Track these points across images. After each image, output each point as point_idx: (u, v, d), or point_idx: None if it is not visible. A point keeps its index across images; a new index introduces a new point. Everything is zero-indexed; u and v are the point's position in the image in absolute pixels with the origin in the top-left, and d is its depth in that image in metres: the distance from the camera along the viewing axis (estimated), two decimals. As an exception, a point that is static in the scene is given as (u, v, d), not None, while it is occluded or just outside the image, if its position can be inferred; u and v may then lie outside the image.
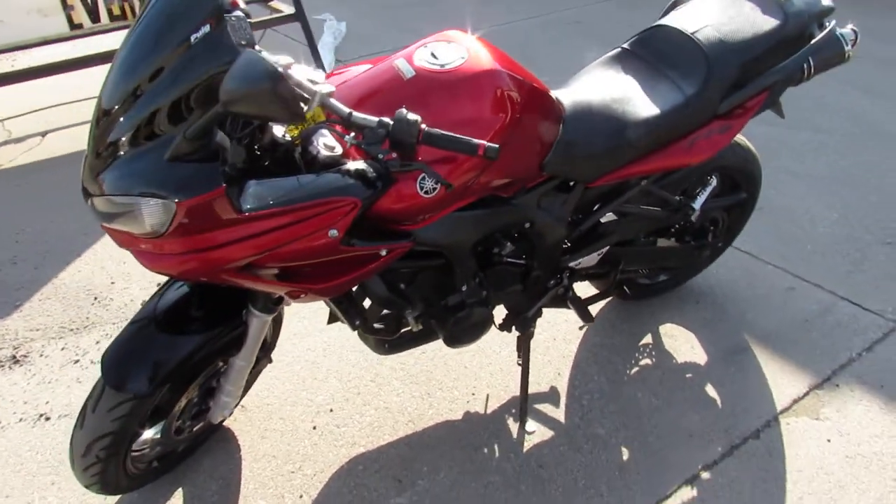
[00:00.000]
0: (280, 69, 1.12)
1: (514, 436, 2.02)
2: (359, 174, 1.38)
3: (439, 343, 1.88)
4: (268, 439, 2.03)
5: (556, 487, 1.87)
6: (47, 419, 2.09)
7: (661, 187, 1.93)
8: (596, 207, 1.89)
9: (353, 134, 1.33)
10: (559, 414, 2.08)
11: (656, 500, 1.82)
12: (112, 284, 2.66)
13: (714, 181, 2.06)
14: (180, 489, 1.89)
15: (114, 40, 3.77)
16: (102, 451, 1.58)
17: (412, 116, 1.25)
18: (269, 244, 1.33)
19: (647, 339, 2.34)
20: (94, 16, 3.73)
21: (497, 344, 2.31)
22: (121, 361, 1.54)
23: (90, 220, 1.97)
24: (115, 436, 1.57)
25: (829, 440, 1.96)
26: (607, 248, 1.98)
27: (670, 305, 2.45)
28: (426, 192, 1.45)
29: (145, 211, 1.26)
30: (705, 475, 1.88)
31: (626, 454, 1.95)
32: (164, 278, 1.67)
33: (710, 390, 2.14)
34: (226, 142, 1.27)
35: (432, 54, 1.52)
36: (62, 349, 2.36)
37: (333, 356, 2.29)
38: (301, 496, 1.87)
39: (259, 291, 1.58)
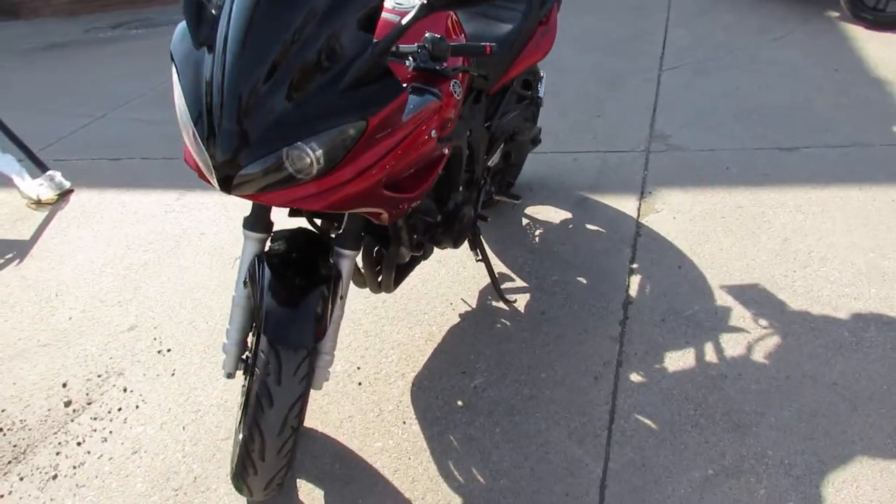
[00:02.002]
0: None
1: (505, 307, 2.50)
2: (427, 84, 1.75)
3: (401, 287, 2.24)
4: (337, 405, 2.17)
5: (558, 318, 2.42)
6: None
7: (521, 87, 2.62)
8: (493, 111, 2.48)
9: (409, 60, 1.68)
10: (520, 283, 2.62)
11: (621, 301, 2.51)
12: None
13: (544, 73, 2.82)
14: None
15: None
16: (295, 418, 1.64)
17: (437, 35, 1.69)
18: (405, 149, 1.64)
19: (528, 225, 3.01)
20: None
21: (438, 273, 2.74)
22: (282, 325, 1.63)
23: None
24: (303, 398, 1.65)
25: (673, 217, 2.87)
26: (502, 144, 2.58)
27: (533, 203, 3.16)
28: (458, 95, 1.88)
29: (331, 140, 1.47)
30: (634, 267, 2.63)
31: (580, 282, 2.59)
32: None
33: (581, 232, 2.90)
34: None
35: (396, 3, 1.93)
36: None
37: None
38: (404, 422, 2.10)
39: (349, 229, 1.80)
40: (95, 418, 2.29)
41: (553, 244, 2.81)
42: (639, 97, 4.00)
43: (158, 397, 2.34)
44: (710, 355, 2.15)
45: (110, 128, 4.94)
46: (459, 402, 2.14)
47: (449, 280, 2.68)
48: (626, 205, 3.00)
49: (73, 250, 3.34)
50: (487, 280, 2.62)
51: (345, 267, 1.81)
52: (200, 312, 2.74)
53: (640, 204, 2.99)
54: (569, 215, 2.99)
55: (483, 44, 1.73)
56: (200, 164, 1.59)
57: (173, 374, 2.43)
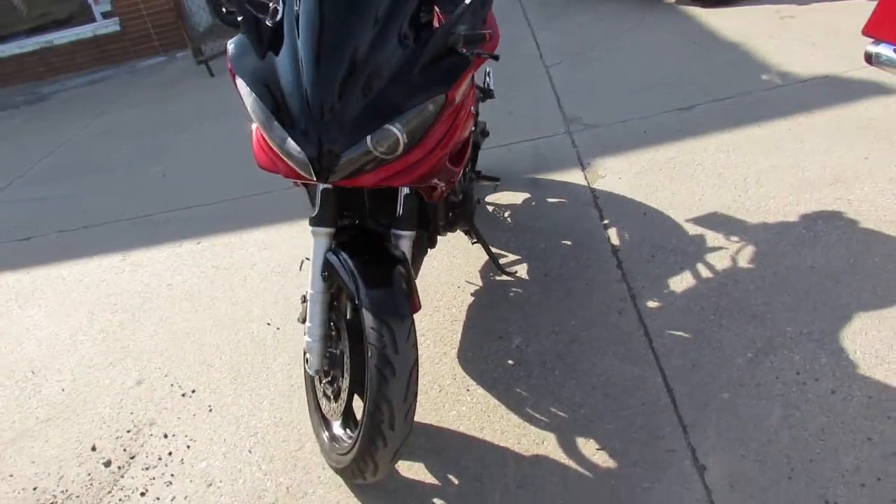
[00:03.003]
0: None
1: (509, 279, 2.72)
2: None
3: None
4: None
5: (562, 276, 2.68)
6: None
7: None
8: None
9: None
10: (513, 257, 2.85)
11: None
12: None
13: (490, 69, 3.09)
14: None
15: None
16: (415, 383, 1.76)
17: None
18: (463, 120, 1.84)
19: (496, 210, 3.25)
20: None
21: (433, 267, 2.91)
22: (385, 300, 1.74)
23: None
24: (416, 363, 1.77)
25: (619, 178, 3.24)
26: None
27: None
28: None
29: (414, 119, 1.64)
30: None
31: (567, 244, 2.87)
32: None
33: (545, 205, 3.19)
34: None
35: None
36: None
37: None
38: (467, 389, 2.25)
39: (407, 211, 1.95)
40: (147, 468, 2.24)
41: (527, 220, 3.07)
42: (539, 92, 4.40)
43: (206, 433, 2.31)
44: (705, 272, 2.49)
45: (2, 212, 4.63)
46: (510, 362, 2.32)
47: (447, 270, 2.85)
48: (573, 177, 3.33)
49: (27, 329, 3.15)
50: (482, 261, 2.83)
51: (406, 247, 1.94)
52: (208, 352, 2.71)
53: (585, 174, 3.33)
54: (527, 195, 3.27)
55: (484, 31, 1.96)
56: (291, 163, 1.69)
57: (210, 410, 2.41)
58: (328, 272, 1.84)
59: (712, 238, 2.66)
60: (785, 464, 1.77)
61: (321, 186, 1.84)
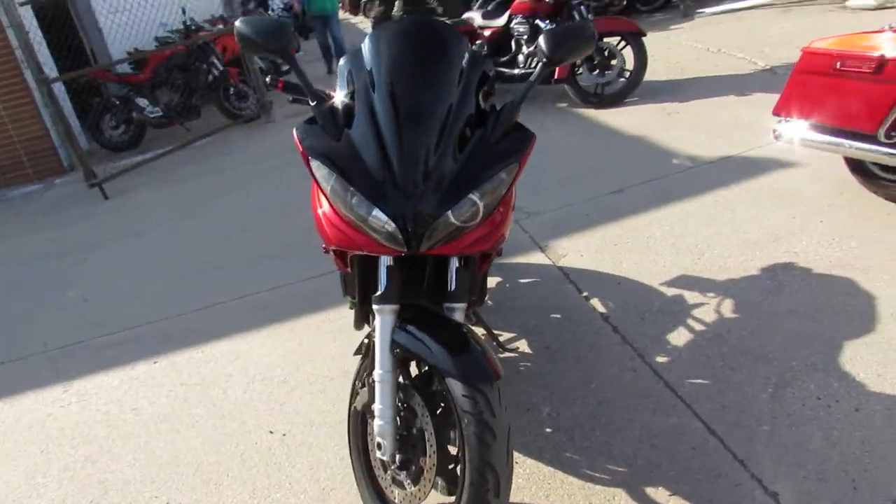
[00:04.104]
0: None
1: (513, 355, 2.77)
2: None
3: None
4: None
5: (564, 347, 2.80)
6: None
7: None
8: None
9: None
10: (508, 335, 2.93)
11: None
12: None
13: None
14: None
15: None
16: (511, 446, 1.76)
17: None
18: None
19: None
20: None
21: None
22: (472, 366, 1.75)
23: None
24: (510, 428, 1.78)
25: (581, 255, 3.47)
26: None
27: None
28: None
29: (492, 188, 1.76)
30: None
31: (556, 318, 3.01)
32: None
33: (520, 286, 3.34)
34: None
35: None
36: None
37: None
38: (517, 462, 2.27)
39: (458, 283, 2.00)
40: None
41: (508, 301, 3.18)
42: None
43: (241, 553, 2.12)
44: (697, 326, 2.70)
45: None
46: (548, 430, 2.36)
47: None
48: (536, 258, 3.52)
49: (-31, 481, 2.75)
50: (480, 341, 2.88)
51: (460, 319, 1.99)
52: (210, 470, 2.52)
53: (546, 255, 3.53)
54: (499, 279, 3.40)
55: None
56: (375, 236, 1.72)
57: (236, 528, 2.22)
58: (399, 349, 1.83)
59: (690, 296, 2.90)
60: (845, 477, 1.92)
61: (385, 265, 1.87)
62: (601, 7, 5.85)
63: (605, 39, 5.58)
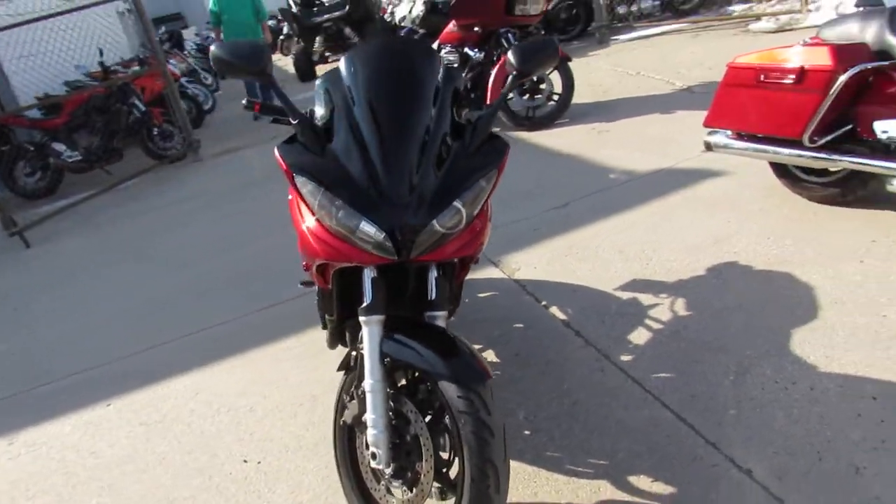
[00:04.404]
0: None
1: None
2: None
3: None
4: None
5: (532, 353, 2.88)
6: None
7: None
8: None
9: None
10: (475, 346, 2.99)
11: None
12: None
13: None
14: None
15: None
16: (507, 443, 1.82)
17: None
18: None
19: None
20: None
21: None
22: (464, 368, 1.80)
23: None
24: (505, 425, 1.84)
25: (534, 268, 3.58)
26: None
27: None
28: None
29: (473, 196, 1.84)
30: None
31: (520, 327, 3.09)
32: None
33: (479, 301, 3.42)
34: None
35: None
36: None
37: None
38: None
39: (438, 292, 2.05)
40: None
41: (470, 314, 3.25)
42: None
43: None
44: (655, 325, 2.84)
45: None
46: (527, 432, 2.42)
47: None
48: (490, 273, 3.61)
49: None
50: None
51: (442, 326, 2.05)
52: (187, 504, 2.45)
53: (500, 269, 3.63)
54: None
55: None
56: (365, 247, 1.76)
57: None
58: (389, 358, 1.86)
59: (644, 298, 3.04)
60: (811, 449, 2.07)
61: (369, 277, 1.90)
62: (525, 36, 6.06)
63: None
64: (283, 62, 14.47)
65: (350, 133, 1.80)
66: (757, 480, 2.00)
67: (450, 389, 1.78)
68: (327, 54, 14.40)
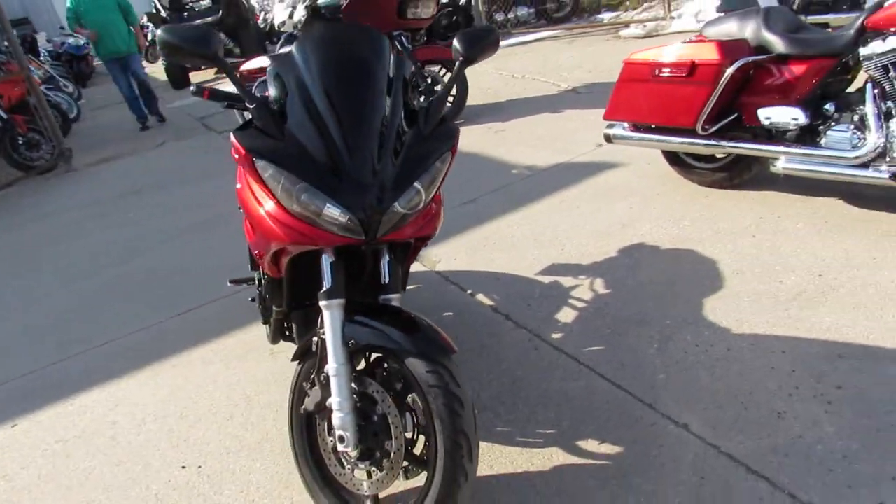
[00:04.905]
0: None
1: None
2: None
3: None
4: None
5: (466, 339, 2.97)
6: None
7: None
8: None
9: None
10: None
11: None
12: None
13: None
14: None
15: None
16: (476, 414, 1.89)
17: None
18: None
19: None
20: None
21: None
22: (430, 344, 1.85)
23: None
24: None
25: (455, 259, 3.67)
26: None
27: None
28: None
29: (430, 177, 1.90)
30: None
31: (450, 316, 3.17)
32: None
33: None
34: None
35: None
36: None
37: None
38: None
39: (392, 276, 2.08)
40: None
41: (398, 307, 3.28)
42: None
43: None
44: (579, 304, 3.01)
45: None
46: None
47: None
48: (412, 267, 3.66)
49: None
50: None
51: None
52: (124, 516, 2.34)
53: (421, 263, 3.68)
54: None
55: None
56: (331, 229, 1.78)
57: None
58: (353, 340, 1.89)
59: (565, 281, 3.21)
60: (735, 400, 2.28)
61: (328, 261, 1.92)
62: (415, 39, 6.19)
63: (428, 67, 5.93)
64: (150, 69, 13.77)
65: (307, 117, 1.80)
66: (693, 433, 2.19)
67: (418, 366, 1.83)
68: (201, 60, 13.89)
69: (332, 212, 1.76)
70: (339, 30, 2.01)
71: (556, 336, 2.82)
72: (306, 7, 9.44)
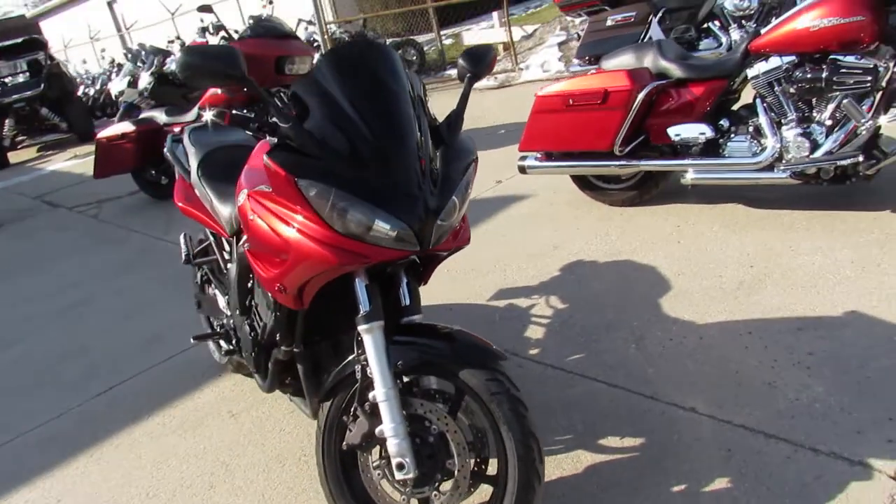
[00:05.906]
0: None
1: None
2: None
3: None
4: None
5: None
6: None
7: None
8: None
9: None
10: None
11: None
12: None
13: None
14: None
15: None
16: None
17: None
18: None
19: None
20: None
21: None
22: (483, 353, 1.86)
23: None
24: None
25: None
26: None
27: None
28: None
29: (464, 188, 1.93)
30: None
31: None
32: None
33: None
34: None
35: None
36: None
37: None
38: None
39: (413, 296, 2.07)
40: None
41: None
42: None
43: None
44: (543, 320, 3.10)
45: None
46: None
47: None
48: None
49: None
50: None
51: None
52: None
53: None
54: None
55: None
56: (383, 243, 1.73)
57: None
58: (402, 361, 1.84)
59: (520, 302, 3.30)
60: (727, 379, 2.46)
61: (362, 284, 1.87)
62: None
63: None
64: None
65: (343, 134, 1.76)
66: (703, 413, 2.32)
67: (475, 376, 1.81)
68: (21, 138, 12.79)
69: (384, 226, 1.71)
70: (361, 48, 1.99)
71: (533, 352, 2.87)
72: (152, 74, 9.08)
